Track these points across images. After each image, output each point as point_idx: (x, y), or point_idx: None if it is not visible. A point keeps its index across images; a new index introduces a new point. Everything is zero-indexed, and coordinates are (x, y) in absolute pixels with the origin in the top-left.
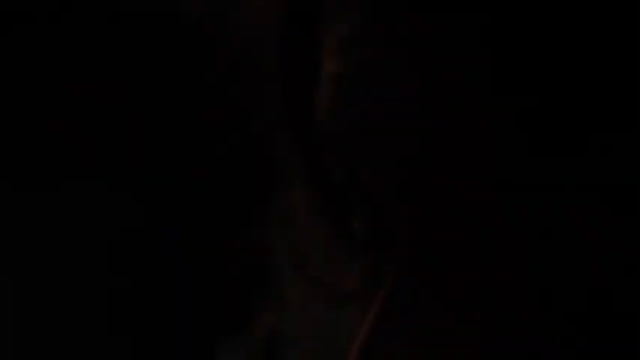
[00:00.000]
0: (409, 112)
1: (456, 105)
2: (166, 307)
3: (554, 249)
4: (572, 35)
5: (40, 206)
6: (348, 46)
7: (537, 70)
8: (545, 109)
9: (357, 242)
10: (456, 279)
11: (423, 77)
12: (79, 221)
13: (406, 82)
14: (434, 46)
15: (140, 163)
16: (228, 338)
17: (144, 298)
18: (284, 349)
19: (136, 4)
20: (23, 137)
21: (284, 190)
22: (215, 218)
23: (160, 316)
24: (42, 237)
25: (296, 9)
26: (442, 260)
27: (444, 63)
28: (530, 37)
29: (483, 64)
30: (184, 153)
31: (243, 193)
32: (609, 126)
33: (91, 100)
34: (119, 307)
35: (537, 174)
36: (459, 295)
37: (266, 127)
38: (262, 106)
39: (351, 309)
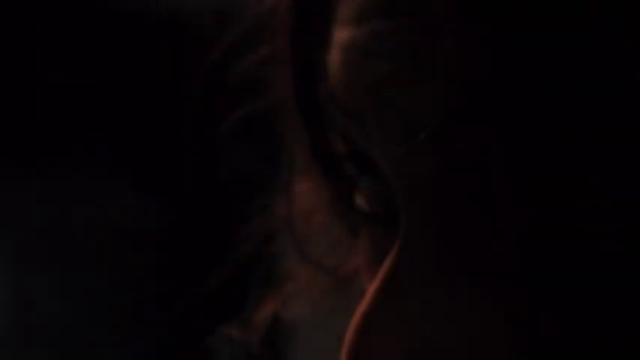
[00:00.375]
0: (417, 82)
1: (464, 76)
2: (165, 294)
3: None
4: None
5: (44, 200)
6: (362, 15)
7: None
8: None
9: (360, 219)
10: (461, 250)
11: (446, 47)
12: (85, 213)
13: (418, 53)
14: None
15: (139, 155)
16: (227, 326)
17: (143, 283)
18: (285, 335)
19: (134, 3)
20: (28, 136)
21: (285, 175)
22: (216, 205)
23: (158, 303)
24: (44, 231)
25: None
26: (448, 231)
27: (458, 32)
28: None
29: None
30: (183, 143)
31: (244, 180)
32: None
33: (94, 97)
34: (120, 293)
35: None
36: (465, 266)
37: (266, 113)
38: (261, 92)
39: (354, 293)
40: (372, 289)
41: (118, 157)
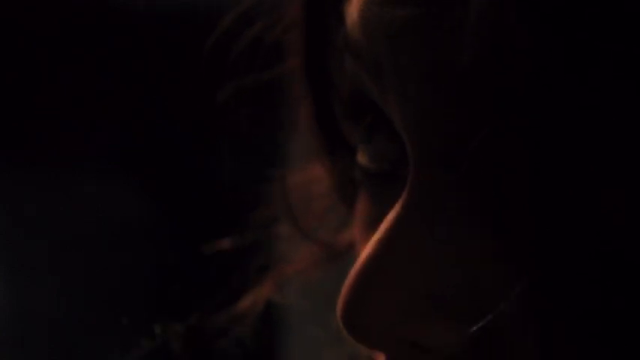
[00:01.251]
0: (441, 28)
1: (496, 23)
2: (164, 293)
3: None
4: None
5: (42, 199)
6: None
7: None
8: None
9: (360, 176)
10: (472, 205)
11: None
12: (85, 213)
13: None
14: None
15: (140, 154)
16: (219, 316)
17: (143, 283)
18: (278, 326)
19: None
20: (25, 134)
21: (286, 159)
22: (216, 190)
23: (158, 301)
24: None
25: None
26: (459, 188)
27: None
28: None
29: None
30: (185, 133)
31: (246, 166)
32: None
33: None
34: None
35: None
36: (475, 221)
37: (269, 101)
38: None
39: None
40: (373, 239)
41: (118, 156)
